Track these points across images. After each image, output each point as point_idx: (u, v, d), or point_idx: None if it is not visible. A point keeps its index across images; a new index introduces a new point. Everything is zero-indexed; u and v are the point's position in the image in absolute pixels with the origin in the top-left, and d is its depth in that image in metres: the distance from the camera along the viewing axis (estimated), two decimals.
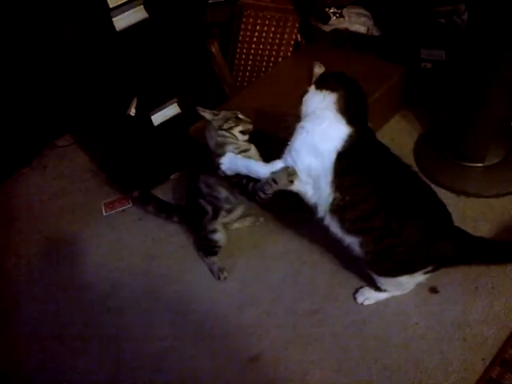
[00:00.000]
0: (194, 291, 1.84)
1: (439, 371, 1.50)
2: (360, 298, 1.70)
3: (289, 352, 1.62)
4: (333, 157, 1.39)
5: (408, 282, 1.60)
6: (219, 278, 1.85)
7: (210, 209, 1.79)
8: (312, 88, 1.42)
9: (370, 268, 1.59)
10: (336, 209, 1.46)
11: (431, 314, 1.64)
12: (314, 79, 1.42)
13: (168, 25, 1.94)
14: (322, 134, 1.41)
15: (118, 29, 1.79)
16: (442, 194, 1.95)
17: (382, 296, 1.68)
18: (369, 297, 1.70)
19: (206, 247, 1.88)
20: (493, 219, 1.87)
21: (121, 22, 1.79)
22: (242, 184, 1.60)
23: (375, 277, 1.62)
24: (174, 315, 1.78)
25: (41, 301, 1.92)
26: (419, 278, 1.57)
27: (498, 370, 1.47)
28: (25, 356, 1.76)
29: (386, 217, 1.42)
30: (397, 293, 1.67)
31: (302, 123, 1.46)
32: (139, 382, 1.63)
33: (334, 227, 1.51)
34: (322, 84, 1.40)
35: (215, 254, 1.88)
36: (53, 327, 1.83)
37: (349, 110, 1.38)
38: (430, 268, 1.52)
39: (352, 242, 1.51)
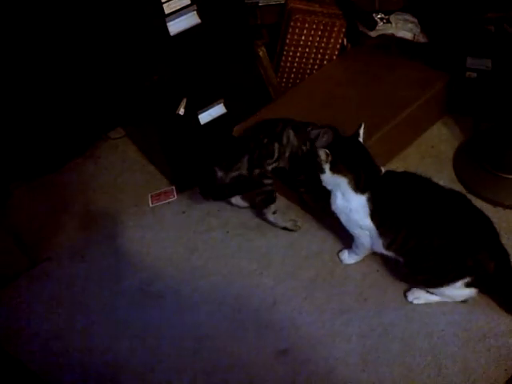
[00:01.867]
0: (230, 285, 1.94)
1: (461, 379, 1.55)
2: (410, 297, 1.75)
3: (316, 349, 1.70)
4: (367, 210, 1.66)
5: (452, 293, 1.64)
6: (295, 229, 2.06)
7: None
8: (328, 171, 1.66)
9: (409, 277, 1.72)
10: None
11: (458, 323, 1.68)
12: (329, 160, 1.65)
13: (218, 29, 2.03)
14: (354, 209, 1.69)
15: (172, 33, 1.89)
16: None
17: (432, 298, 1.72)
18: (419, 297, 1.74)
19: (266, 197, 1.99)
20: None
21: (175, 26, 1.90)
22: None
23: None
24: (210, 305, 1.88)
25: (83, 280, 2.06)
26: (464, 290, 1.60)
27: None
28: (65, 334, 1.89)
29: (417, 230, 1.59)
30: (445, 299, 1.70)
31: (336, 203, 1.73)
32: (176, 367, 1.73)
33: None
34: (334, 169, 1.65)
35: (274, 200, 2.00)
36: (92, 307, 1.95)
37: (359, 187, 1.64)
38: (468, 279, 1.56)
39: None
